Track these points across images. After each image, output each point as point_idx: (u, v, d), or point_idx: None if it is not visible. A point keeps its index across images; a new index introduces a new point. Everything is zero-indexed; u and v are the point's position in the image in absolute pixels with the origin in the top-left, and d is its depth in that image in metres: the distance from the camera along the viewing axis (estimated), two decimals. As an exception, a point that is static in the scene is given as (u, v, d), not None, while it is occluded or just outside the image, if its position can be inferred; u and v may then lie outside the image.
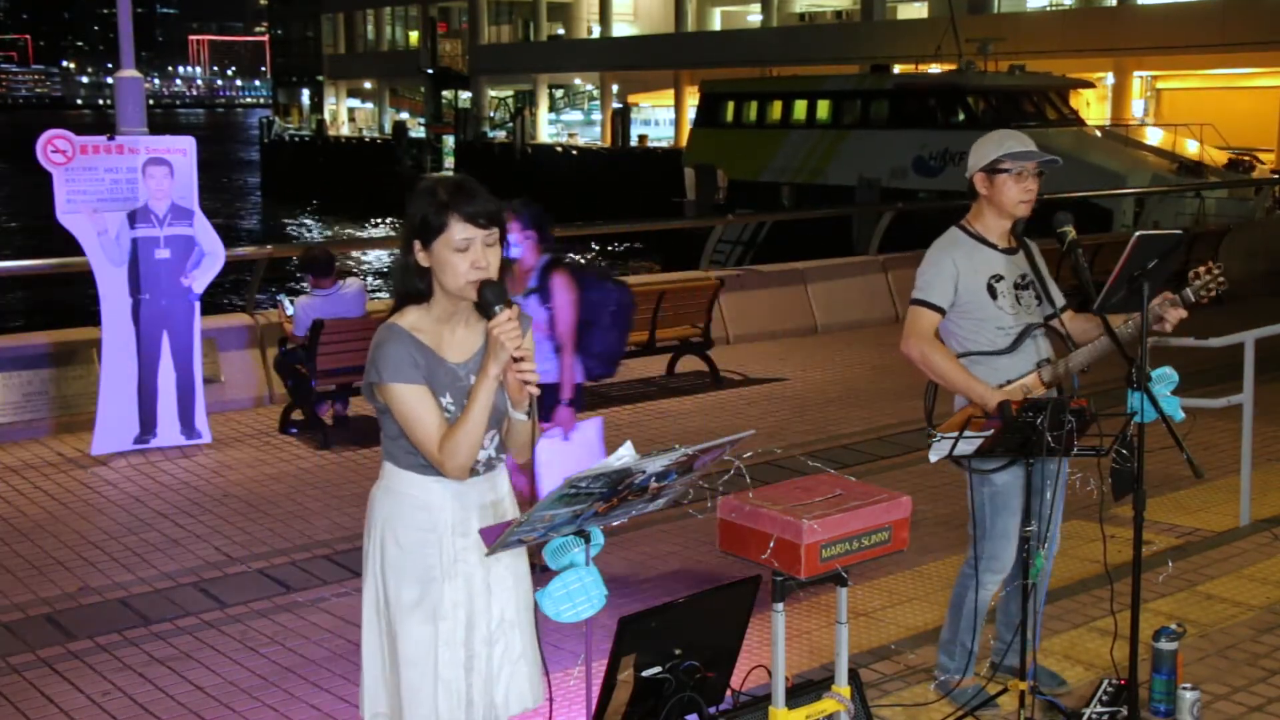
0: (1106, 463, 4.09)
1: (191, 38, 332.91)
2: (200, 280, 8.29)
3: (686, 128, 40.06)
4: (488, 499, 3.11)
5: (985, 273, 4.27)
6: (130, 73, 8.55)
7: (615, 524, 3.05)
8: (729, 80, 36.25)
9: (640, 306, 9.98)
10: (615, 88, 50.48)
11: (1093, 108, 34.31)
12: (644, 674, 3.28)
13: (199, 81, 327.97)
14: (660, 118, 50.72)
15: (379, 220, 45.72)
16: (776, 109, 31.96)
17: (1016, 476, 4.16)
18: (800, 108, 31.37)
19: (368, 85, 65.97)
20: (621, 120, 47.00)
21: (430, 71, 57.33)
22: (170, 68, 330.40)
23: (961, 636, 4.41)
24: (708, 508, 4.40)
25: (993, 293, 4.26)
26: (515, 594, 3.13)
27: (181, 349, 8.26)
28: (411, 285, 3.02)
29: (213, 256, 8.32)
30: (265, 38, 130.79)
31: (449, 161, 52.89)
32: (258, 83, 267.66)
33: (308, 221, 49.29)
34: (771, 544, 3.29)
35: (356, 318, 8.67)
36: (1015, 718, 4.15)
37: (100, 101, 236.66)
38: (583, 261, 6.18)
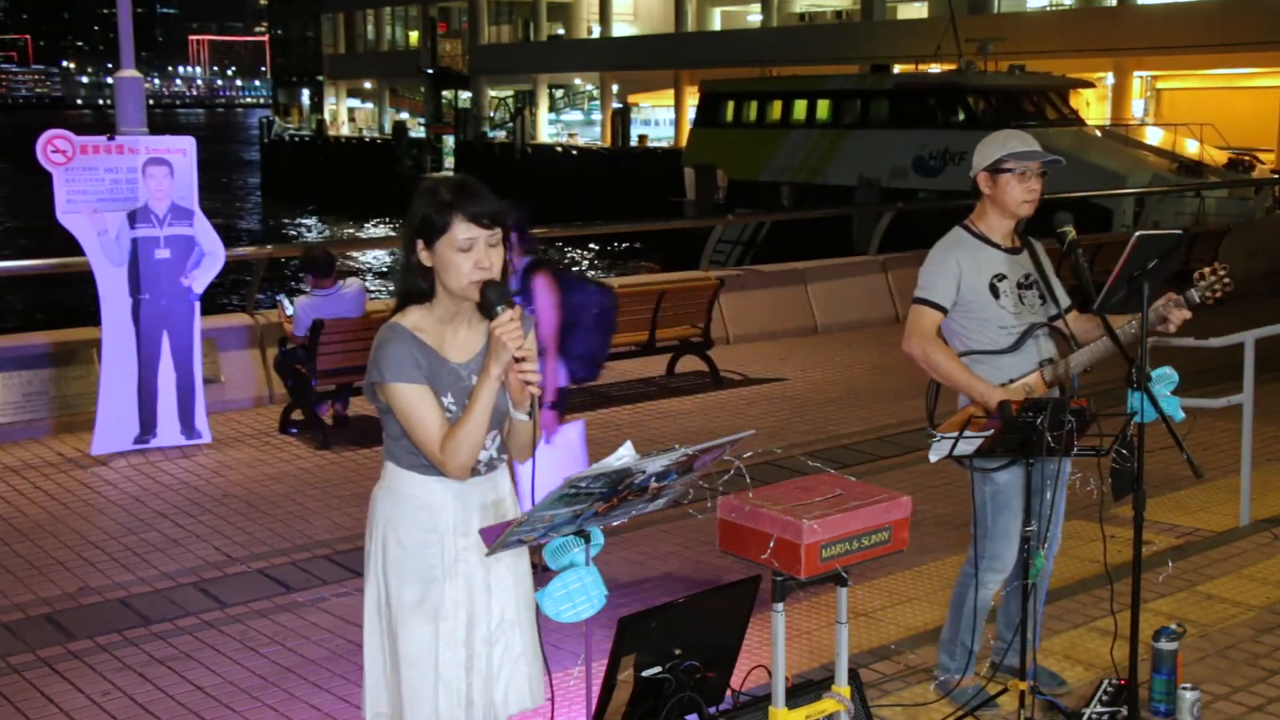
0: (1106, 463, 4.09)
1: (191, 38, 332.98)
2: (200, 280, 8.29)
3: (686, 128, 40.07)
4: (489, 499, 3.12)
5: (988, 272, 4.27)
6: (130, 73, 8.56)
7: (615, 524, 3.05)
8: (729, 80, 36.26)
9: (640, 306, 10.03)
10: (615, 88, 50.48)
11: (1093, 108, 34.32)
12: (644, 674, 3.28)
13: (199, 81, 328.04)
14: (660, 118, 50.73)
15: (379, 220, 45.71)
16: (776, 109, 31.97)
17: (1018, 476, 4.16)
18: (800, 107, 31.38)
19: (368, 85, 65.98)
20: (621, 120, 47.01)
21: (430, 71, 57.34)
22: (170, 68, 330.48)
23: (962, 636, 4.41)
24: (708, 508, 4.40)
25: (995, 292, 4.26)
26: (516, 594, 3.14)
27: (181, 349, 8.26)
28: (414, 285, 3.02)
29: (213, 256, 8.32)
30: (265, 38, 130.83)
31: (449, 161, 52.89)
32: (258, 83, 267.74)
33: (308, 221, 49.30)
34: (771, 544, 3.29)
35: (356, 318, 8.67)
36: (1015, 718, 4.16)
37: (100, 101, 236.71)
38: (563, 264, 6.16)
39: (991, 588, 4.37)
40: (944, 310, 4.29)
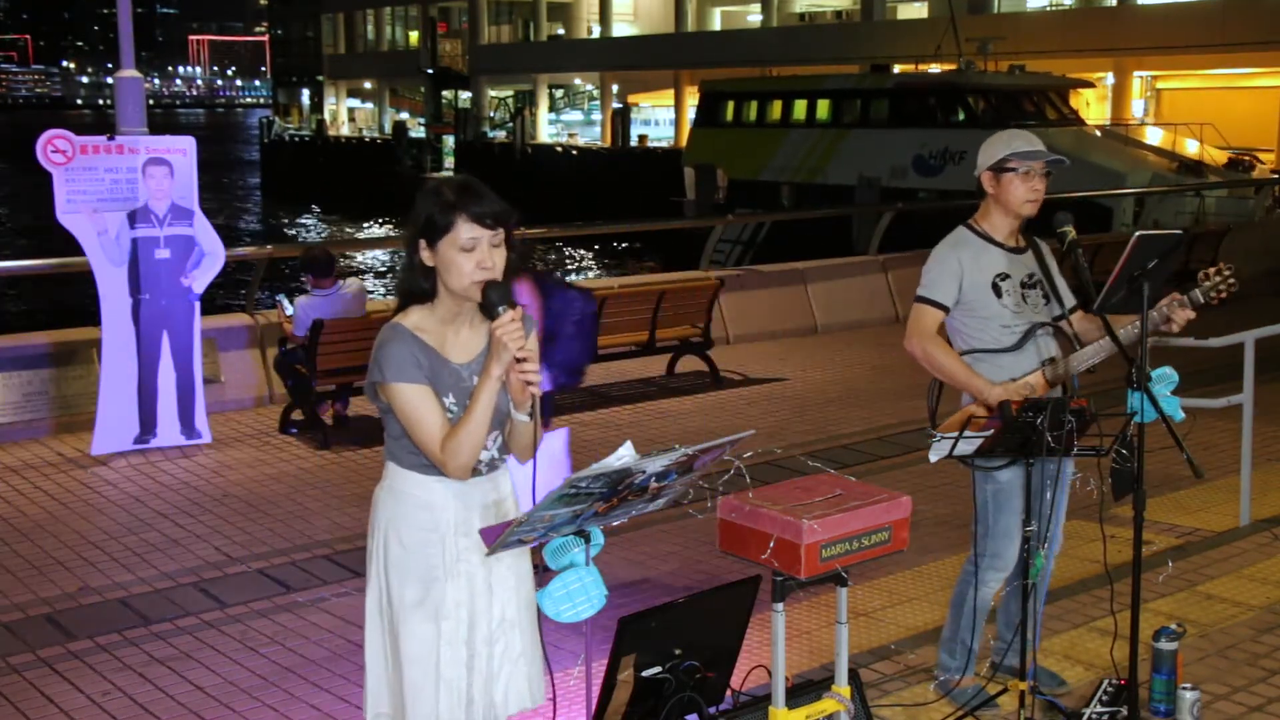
0: (1106, 463, 4.09)
1: (191, 38, 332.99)
2: (200, 280, 8.29)
3: (686, 128, 40.07)
4: (490, 499, 3.12)
5: (991, 271, 4.28)
6: (130, 73, 8.56)
7: (615, 524, 3.05)
8: (729, 79, 36.25)
9: (640, 306, 10.03)
10: (615, 88, 50.48)
11: (1093, 108, 34.32)
12: (644, 674, 3.28)
13: (199, 81, 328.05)
14: (660, 118, 50.72)
15: (379, 220, 45.72)
16: (776, 108, 31.97)
17: (1020, 474, 4.16)
18: (800, 107, 31.38)
19: (368, 85, 65.97)
20: (621, 120, 47.00)
21: (430, 71, 57.33)
22: (170, 68, 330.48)
23: (962, 635, 4.42)
24: (708, 508, 4.40)
25: (997, 291, 4.27)
26: (517, 594, 3.14)
27: (181, 349, 8.26)
28: (416, 285, 3.02)
29: (213, 256, 8.32)
30: (265, 38, 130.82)
31: (449, 161, 52.88)
32: (258, 83, 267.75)
33: (308, 221, 49.29)
34: (771, 544, 3.29)
35: (356, 318, 8.67)
36: (1015, 718, 4.16)
37: (100, 101, 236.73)
38: (543, 269, 6.14)
39: (992, 586, 4.37)
40: (946, 309, 4.29)
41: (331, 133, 64.76)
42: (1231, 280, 4.09)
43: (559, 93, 55.61)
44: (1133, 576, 3.91)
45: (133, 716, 4.63)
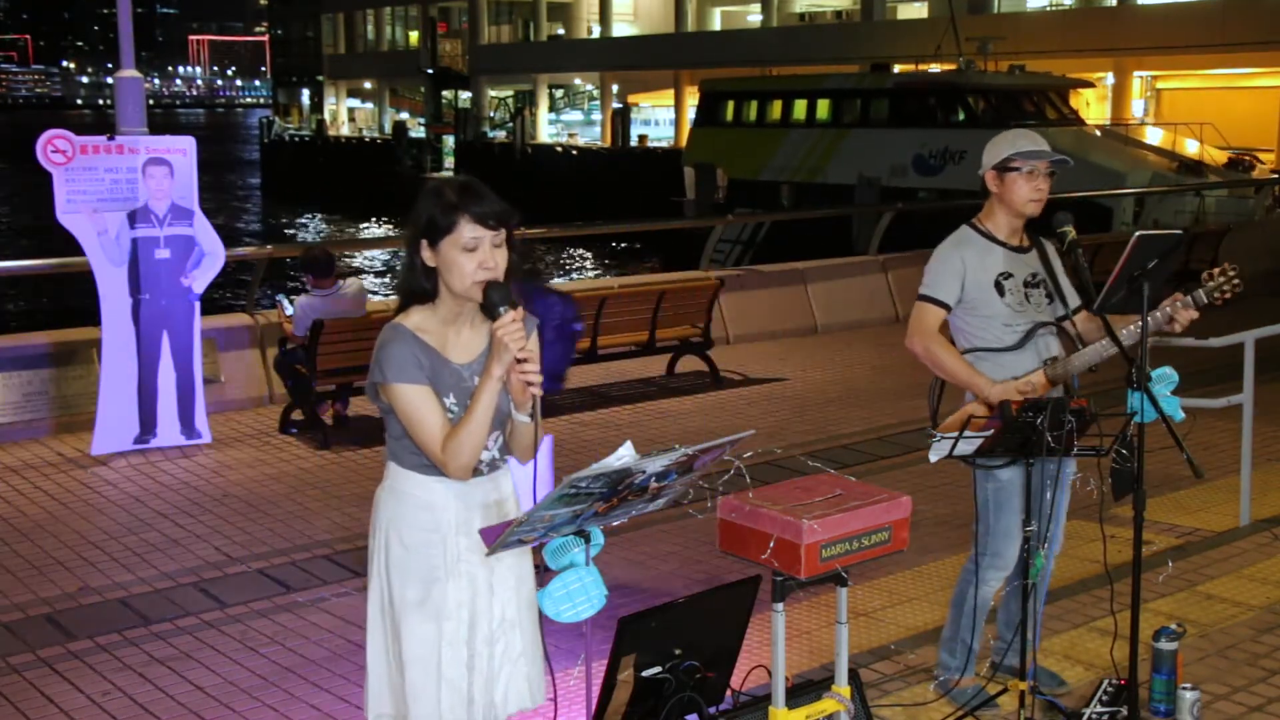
0: (1106, 463, 4.09)
1: (191, 38, 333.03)
2: (200, 280, 8.29)
3: (686, 128, 40.07)
4: (491, 499, 3.12)
5: (994, 270, 4.28)
6: (130, 73, 8.55)
7: (615, 524, 3.05)
8: (729, 79, 36.26)
9: (640, 306, 10.03)
10: (615, 88, 50.47)
11: (1093, 108, 34.33)
12: (644, 674, 3.28)
13: (199, 81, 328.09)
14: (660, 118, 50.72)
15: (379, 220, 45.72)
16: (776, 108, 31.98)
17: (1020, 473, 4.16)
18: (800, 107, 31.39)
19: (368, 85, 65.97)
20: (621, 120, 46.99)
21: (430, 71, 57.33)
22: (170, 68, 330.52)
23: (963, 634, 4.42)
24: (708, 508, 4.40)
25: (1000, 290, 4.27)
26: (517, 594, 3.14)
27: (181, 349, 8.26)
28: (417, 285, 3.02)
29: (213, 256, 8.32)
30: (265, 38, 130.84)
31: (449, 161, 52.88)
32: (258, 83, 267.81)
33: (308, 221, 49.30)
34: (771, 544, 3.29)
35: (356, 318, 8.67)
36: (1015, 718, 4.16)
37: (100, 101, 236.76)
38: (528, 268, 6.09)
39: (993, 585, 4.37)
40: (947, 307, 4.30)
41: (331, 133, 64.76)
42: (1236, 281, 4.08)
43: (559, 93, 55.60)
44: (1133, 576, 3.91)
45: (133, 716, 4.63)
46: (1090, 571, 5.76)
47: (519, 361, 2.89)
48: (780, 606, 3.37)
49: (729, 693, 3.57)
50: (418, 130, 57.23)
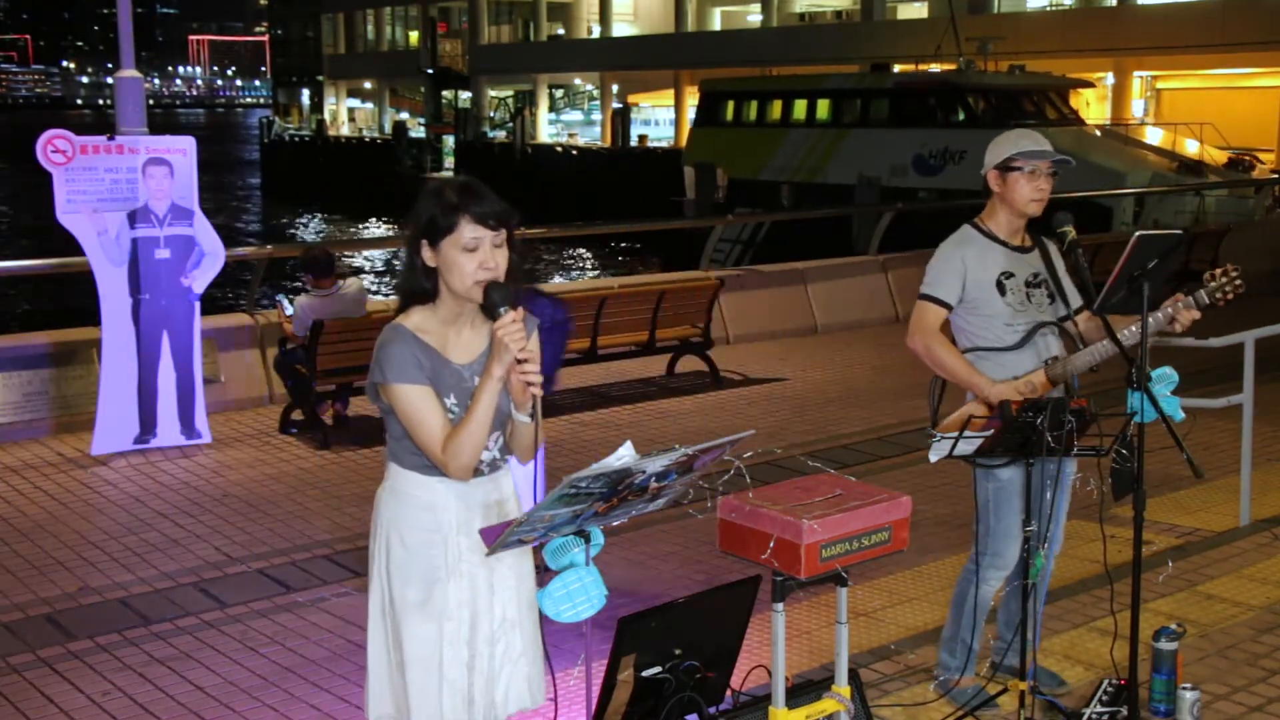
0: (1106, 463, 4.09)
1: (191, 38, 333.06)
2: (200, 280, 8.29)
3: (686, 128, 40.07)
4: (492, 499, 3.12)
5: (995, 270, 4.29)
6: (130, 73, 8.55)
7: (615, 524, 3.05)
8: (729, 79, 36.27)
9: (640, 306, 10.03)
10: (615, 88, 50.48)
11: (1093, 108, 34.34)
12: (644, 674, 3.28)
13: (199, 81, 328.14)
14: (660, 118, 50.73)
15: (379, 220, 45.71)
16: (776, 108, 31.98)
17: (1020, 472, 4.16)
18: (800, 106, 31.39)
19: (368, 85, 65.97)
20: (621, 120, 47.00)
21: (430, 71, 57.33)
22: (170, 68, 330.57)
23: (963, 634, 4.42)
24: (708, 508, 4.40)
25: (1001, 289, 4.27)
26: (518, 594, 3.14)
27: (181, 349, 8.26)
28: (417, 286, 3.02)
29: (213, 256, 8.32)
30: (265, 38, 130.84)
31: (449, 161, 52.89)
32: (258, 83, 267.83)
33: (308, 221, 49.30)
34: (771, 544, 3.29)
35: (356, 318, 8.67)
36: (1015, 718, 4.16)
37: (100, 101, 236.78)
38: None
39: (993, 585, 4.38)
40: (949, 306, 4.30)
41: (331, 133, 64.77)
42: (1239, 282, 4.08)
43: (559, 93, 55.61)
44: (1133, 576, 3.91)
45: (133, 716, 4.63)
46: (1090, 571, 5.76)
47: (519, 362, 2.89)
48: (780, 606, 3.37)
49: (729, 693, 3.57)
50: (418, 130, 57.24)
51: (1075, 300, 4.37)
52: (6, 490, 7.45)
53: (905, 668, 4.80)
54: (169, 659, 5.12)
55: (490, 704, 3.12)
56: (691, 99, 42.25)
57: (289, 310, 8.81)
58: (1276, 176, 26.24)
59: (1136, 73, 35.52)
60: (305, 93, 74.72)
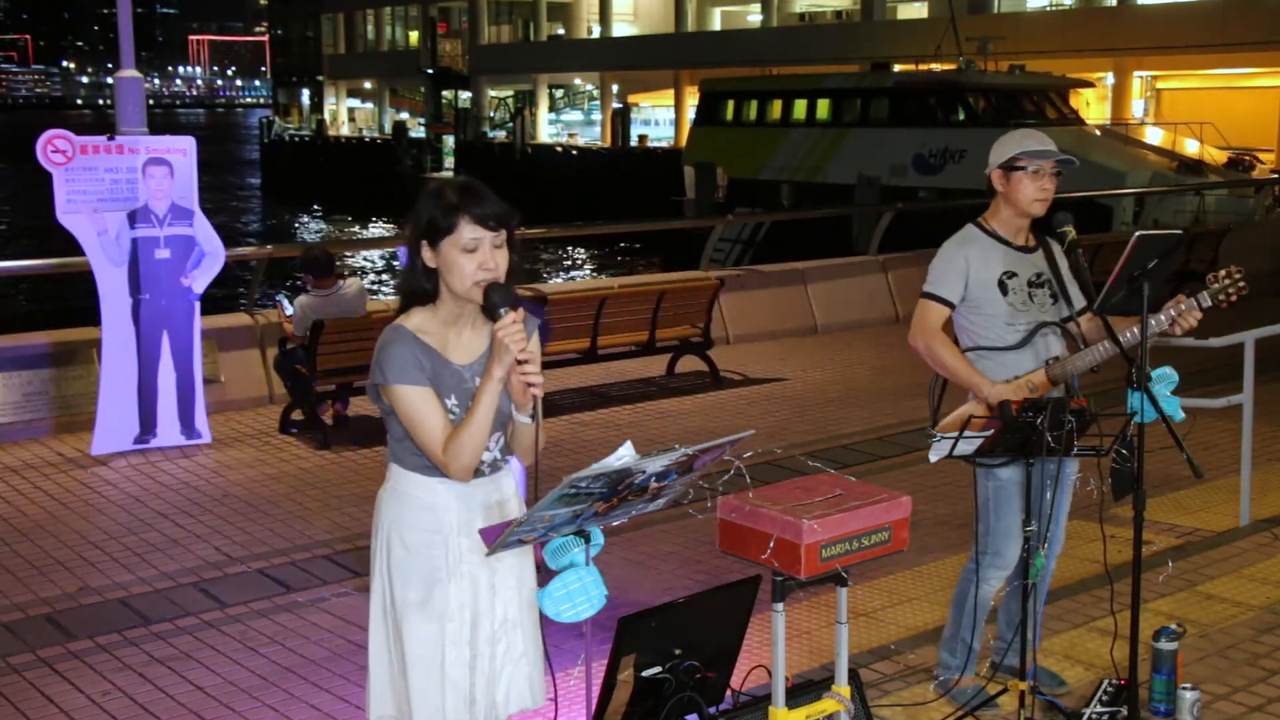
0: (1106, 463, 4.09)
1: (191, 38, 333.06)
2: (200, 280, 8.29)
3: (686, 128, 40.07)
4: (493, 499, 3.12)
5: (998, 269, 4.29)
6: (130, 73, 8.55)
7: (615, 524, 3.05)
8: (729, 78, 36.28)
9: (640, 306, 10.03)
10: (615, 88, 50.48)
11: (1093, 107, 34.34)
12: (644, 674, 3.28)
13: (199, 81, 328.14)
14: (660, 118, 50.73)
15: (379, 220, 45.70)
16: (776, 107, 31.99)
17: (1021, 471, 4.16)
18: (800, 106, 31.40)
19: (368, 85, 65.97)
20: (621, 120, 47.00)
21: (430, 71, 57.33)
22: (170, 68, 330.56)
23: (963, 633, 4.42)
24: (708, 508, 4.40)
25: (1004, 289, 4.27)
26: (518, 594, 3.14)
27: (181, 349, 8.26)
28: (418, 286, 3.02)
29: (213, 256, 8.32)
30: (265, 38, 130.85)
31: (449, 161, 52.89)
32: (258, 83, 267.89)
33: (308, 221, 49.29)
34: (771, 544, 3.29)
35: (356, 318, 8.67)
36: (1015, 718, 4.16)
37: (100, 101, 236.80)
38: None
39: (994, 584, 4.38)
40: (951, 305, 4.30)
41: (331, 133, 64.77)
42: (1242, 284, 4.08)
43: (559, 93, 55.60)
44: (1133, 576, 3.91)
45: (133, 716, 4.63)
46: (1090, 571, 5.76)
47: (519, 363, 2.89)
48: (780, 606, 3.37)
49: (729, 693, 3.57)
50: (418, 130, 57.24)
51: (1079, 301, 4.37)
52: (6, 490, 7.45)
53: (905, 668, 4.80)
54: (169, 659, 5.12)
55: (492, 704, 3.12)
56: (691, 99, 42.25)
57: (289, 310, 8.81)
58: (1276, 176, 26.24)
59: (1136, 73, 35.53)
60: (305, 93, 74.71)
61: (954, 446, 3.96)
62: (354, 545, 6.40)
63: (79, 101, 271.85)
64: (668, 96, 48.30)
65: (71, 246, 8.14)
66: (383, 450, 3.13)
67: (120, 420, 8.12)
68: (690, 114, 39.88)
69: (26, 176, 47.18)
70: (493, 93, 56.33)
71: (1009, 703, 4.35)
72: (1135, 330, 4.02)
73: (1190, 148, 26.56)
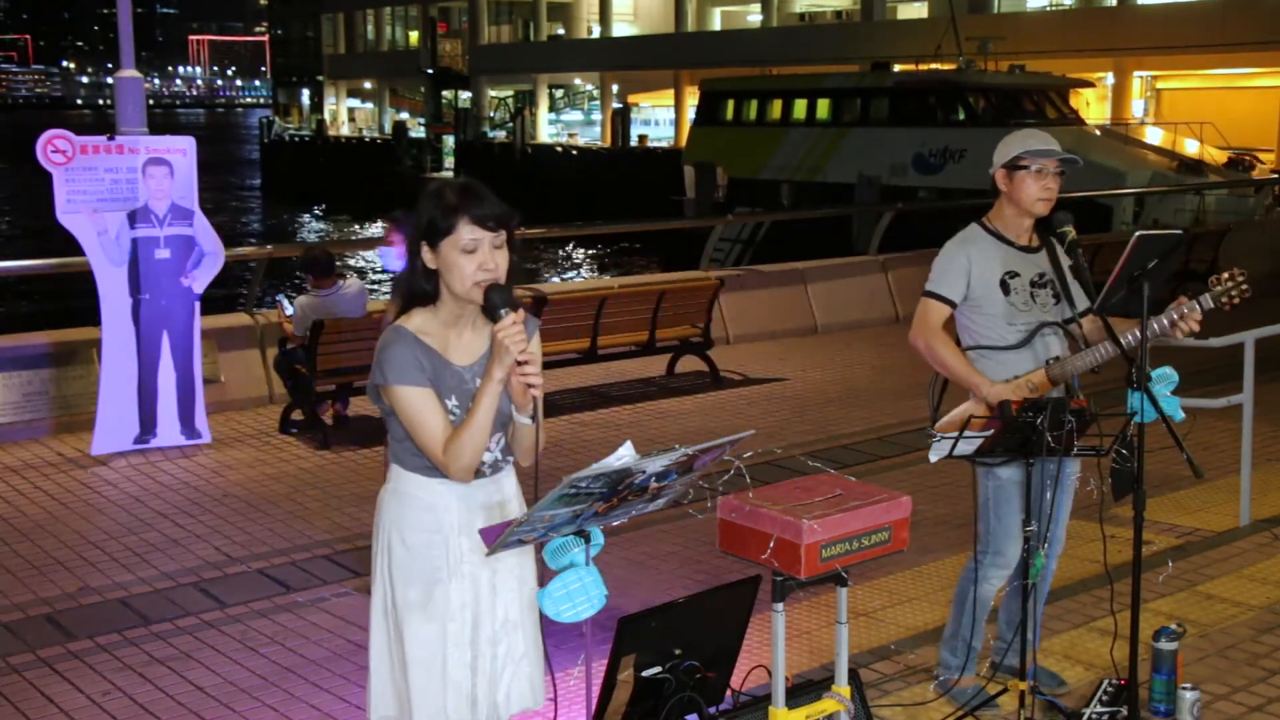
0: (1106, 463, 4.09)
1: (191, 38, 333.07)
2: (200, 280, 8.29)
3: (686, 128, 40.07)
4: (493, 500, 3.12)
5: (1000, 269, 4.29)
6: (130, 73, 8.55)
7: (615, 524, 3.05)
8: (729, 78, 36.27)
9: (640, 306, 10.03)
10: (615, 88, 50.47)
11: (1093, 107, 34.34)
12: (644, 674, 3.28)
13: (199, 81, 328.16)
14: (660, 118, 50.72)
15: (379, 220, 45.66)
16: (776, 107, 31.99)
17: (1021, 471, 4.16)
18: (800, 106, 31.40)
19: (368, 85, 65.96)
20: (621, 120, 46.99)
21: (430, 71, 57.32)
22: (170, 68, 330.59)
23: (964, 632, 4.42)
24: (708, 508, 4.40)
25: (1006, 289, 4.27)
26: (519, 595, 3.14)
27: (181, 349, 8.26)
28: (418, 287, 3.02)
29: (213, 256, 8.32)
30: (265, 38, 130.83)
31: (449, 161, 52.87)
32: (258, 83, 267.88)
33: (308, 221, 49.28)
34: (771, 544, 3.29)
35: (356, 318, 8.67)
36: (1015, 718, 4.16)
37: (100, 101, 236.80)
38: None
39: (994, 583, 4.38)
40: (952, 304, 4.30)
41: (331, 133, 64.76)
42: (1245, 287, 4.08)
43: (559, 93, 55.59)
44: (1133, 576, 3.91)
45: (133, 716, 4.63)
46: (1090, 571, 5.76)
47: (520, 364, 2.89)
48: (780, 606, 3.37)
49: (729, 693, 3.57)
50: (418, 130, 57.23)
51: (1082, 302, 4.36)
52: (6, 490, 7.45)
53: (905, 668, 4.80)
54: (169, 659, 5.12)
55: (493, 704, 3.12)
56: (691, 99, 42.25)
57: (289, 310, 8.81)
58: (1276, 176, 26.23)
59: (1136, 73, 35.52)
60: (305, 93, 74.70)
61: (954, 446, 3.96)
62: (354, 545, 6.40)
63: (79, 101, 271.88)
64: (668, 96, 48.29)
65: (71, 246, 8.14)
66: (383, 450, 3.15)
67: (120, 420, 8.12)
68: (690, 114, 39.87)
69: (26, 176, 47.16)
70: (493, 93, 56.32)
71: (1009, 703, 4.35)
72: (1137, 333, 4.02)
73: (1190, 148, 26.56)
